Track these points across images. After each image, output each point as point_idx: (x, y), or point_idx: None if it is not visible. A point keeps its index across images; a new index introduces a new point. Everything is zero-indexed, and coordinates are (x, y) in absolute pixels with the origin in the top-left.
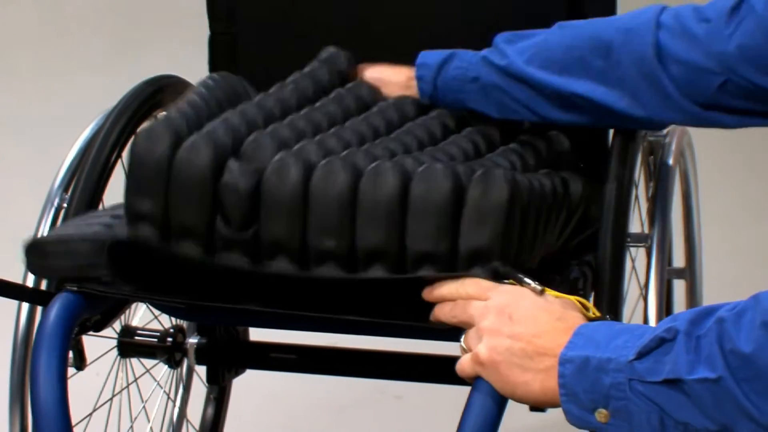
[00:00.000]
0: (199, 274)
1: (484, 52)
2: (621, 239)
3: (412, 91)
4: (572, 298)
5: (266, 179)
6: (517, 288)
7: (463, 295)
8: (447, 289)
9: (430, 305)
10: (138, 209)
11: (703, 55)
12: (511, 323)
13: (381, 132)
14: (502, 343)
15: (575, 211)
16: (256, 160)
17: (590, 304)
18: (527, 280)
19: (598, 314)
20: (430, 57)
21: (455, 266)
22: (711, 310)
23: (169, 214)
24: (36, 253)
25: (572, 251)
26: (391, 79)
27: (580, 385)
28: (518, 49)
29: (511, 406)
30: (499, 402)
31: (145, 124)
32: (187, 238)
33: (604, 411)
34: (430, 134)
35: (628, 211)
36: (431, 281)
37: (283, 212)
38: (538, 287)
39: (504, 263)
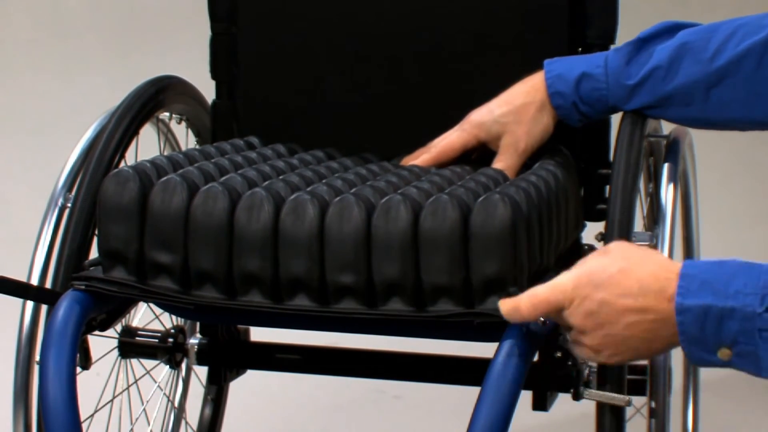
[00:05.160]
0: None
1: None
2: (625, 238)
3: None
4: None
5: (283, 219)
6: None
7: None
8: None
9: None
10: (157, 261)
11: None
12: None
13: (378, 173)
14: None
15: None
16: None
17: None
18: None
19: None
20: (563, 83)
21: (471, 296)
22: None
23: (189, 264)
24: None
25: (576, 251)
26: (524, 100)
27: (702, 332)
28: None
29: None
30: (509, 403)
31: (161, 180)
32: (207, 284)
33: (727, 351)
34: (424, 169)
35: (633, 210)
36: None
37: (301, 250)
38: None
39: (519, 287)
